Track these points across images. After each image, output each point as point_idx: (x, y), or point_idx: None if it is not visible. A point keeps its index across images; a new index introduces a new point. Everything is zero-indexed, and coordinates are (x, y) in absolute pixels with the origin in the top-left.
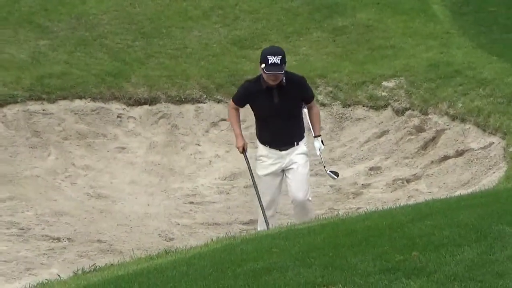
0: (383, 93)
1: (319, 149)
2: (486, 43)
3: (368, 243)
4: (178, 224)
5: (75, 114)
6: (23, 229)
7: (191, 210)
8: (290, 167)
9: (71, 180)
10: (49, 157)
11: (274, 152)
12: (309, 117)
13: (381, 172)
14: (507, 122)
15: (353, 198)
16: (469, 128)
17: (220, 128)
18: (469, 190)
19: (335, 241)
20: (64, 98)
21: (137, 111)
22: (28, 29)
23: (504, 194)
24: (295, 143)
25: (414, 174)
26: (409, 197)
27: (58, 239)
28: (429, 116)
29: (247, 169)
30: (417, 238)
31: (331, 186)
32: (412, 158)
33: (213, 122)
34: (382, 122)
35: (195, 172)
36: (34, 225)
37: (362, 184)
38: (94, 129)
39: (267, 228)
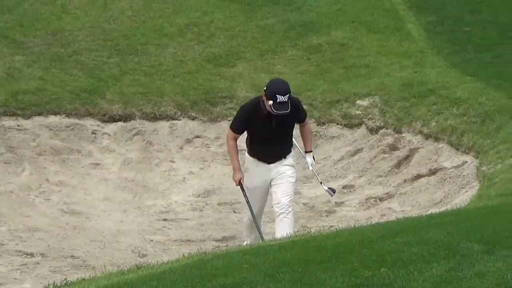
0: (357, 112)
1: (311, 164)
2: (460, 63)
3: (337, 259)
4: (152, 240)
5: (49, 130)
6: None
7: (164, 226)
8: (278, 177)
9: (45, 196)
10: (23, 173)
11: (262, 165)
12: (302, 134)
13: (354, 190)
14: (480, 141)
15: (326, 216)
16: (443, 147)
17: (195, 145)
18: (442, 209)
19: (305, 257)
20: (39, 114)
21: (112, 127)
22: (3, 45)
23: (474, 212)
24: (283, 157)
25: (387, 193)
26: (382, 215)
27: (31, 255)
28: (403, 134)
29: (245, 201)
30: (386, 254)
31: (304, 204)
32: (385, 176)
33: (187, 139)
34: (356, 140)
35: (169, 189)
36: (8, 241)
37: (335, 202)
38: (69, 145)
39: (262, 239)
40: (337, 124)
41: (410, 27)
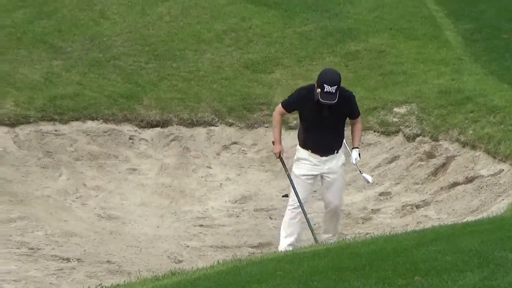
0: (394, 119)
1: (355, 159)
2: (498, 70)
3: (371, 267)
4: (187, 246)
5: (87, 135)
6: (32, 249)
7: (200, 232)
8: (330, 176)
9: (82, 201)
10: (61, 178)
11: (315, 157)
12: (352, 130)
13: (390, 197)
14: None
15: (362, 223)
16: (479, 155)
17: (232, 152)
18: (478, 217)
19: (339, 265)
20: (76, 119)
21: (149, 133)
22: (42, 50)
23: (509, 221)
24: (335, 151)
25: (424, 200)
26: (418, 223)
27: (68, 260)
28: (440, 142)
29: (284, 172)
30: (420, 263)
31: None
32: (422, 184)
33: (224, 145)
34: (393, 148)
35: (205, 195)
36: (44, 245)
37: (372, 209)
38: (106, 150)
39: (311, 227)
40: (374, 131)
41: (448, 35)
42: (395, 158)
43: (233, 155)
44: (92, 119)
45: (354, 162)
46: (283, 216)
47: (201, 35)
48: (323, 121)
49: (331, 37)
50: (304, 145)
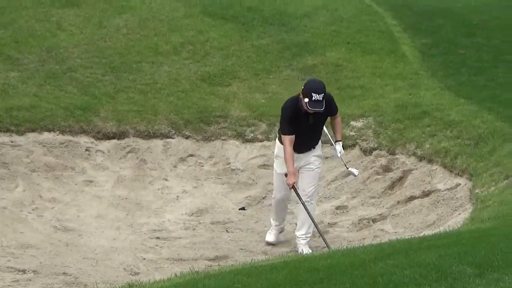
0: (351, 133)
1: (340, 152)
2: (455, 85)
3: (329, 281)
4: (144, 258)
5: (43, 146)
6: None
7: (157, 245)
8: (306, 166)
9: (38, 213)
10: (17, 189)
11: (294, 155)
12: (333, 125)
13: (347, 211)
14: (474, 163)
15: (319, 237)
16: (436, 169)
17: (188, 164)
18: (435, 231)
19: (297, 278)
20: (33, 131)
21: (106, 145)
22: None
23: (466, 235)
24: (313, 148)
25: (380, 214)
26: (374, 236)
27: (24, 271)
28: (397, 156)
29: (298, 199)
30: (378, 276)
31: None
32: (378, 197)
33: (181, 157)
34: (349, 161)
35: (162, 207)
36: (0, 257)
37: (328, 223)
38: (62, 162)
39: (320, 232)
40: (331, 145)
41: (405, 49)
42: (351, 172)
43: (189, 167)
44: (49, 130)
45: (339, 155)
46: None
47: (158, 48)
48: (308, 127)
49: (288, 51)
50: None
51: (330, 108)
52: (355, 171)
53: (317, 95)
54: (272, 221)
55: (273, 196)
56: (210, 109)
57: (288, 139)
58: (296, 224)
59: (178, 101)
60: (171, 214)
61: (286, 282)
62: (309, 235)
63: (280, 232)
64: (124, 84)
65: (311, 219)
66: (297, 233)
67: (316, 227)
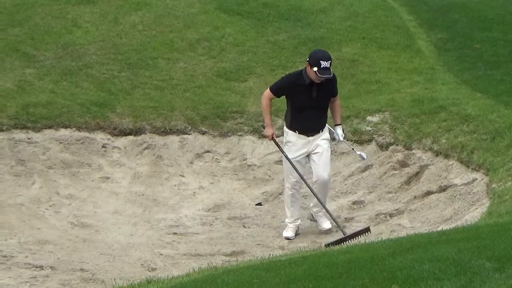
0: (368, 128)
1: (341, 136)
2: (471, 80)
3: (348, 276)
4: (161, 254)
5: (60, 143)
6: (5, 256)
7: (174, 240)
8: (316, 151)
9: (55, 209)
10: (33, 186)
11: (303, 138)
12: (332, 108)
13: (364, 206)
14: (490, 158)
15: (336, 231)
16: (453, 164)
17: (205, 160)
18: (452, 226)
19: (316, 273)
20: (49, 127)
21: (122, 141)
22: (14, 58)
23: (485, 229)
24: (321, 130)
25: (397, 209)
26: (391, 231)
27: (41, 267)
28: (413, 151)
29: (280, 152)
30: (397, 271)
31: (311, 220)
32: (395, 193)
33: (197, 153)
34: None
35: (178, 203)
36: (17, 253)
37: (345, 218)
38: (79, 159)
39: (334, 220)
40: (348, 140)
41: (421, 44)
42: (368, 167)
43: (206, 163)
44: (65, 127)
45: (341, 139)
46: (286, 201)
47: (174, 44)
48: (312, 103)
49: (304, 46)
50: (291, 126)
51: (333, 88)
52: (364, 154)
53: (325, 62)
54: (288, 219)
55: (286, 186)
56: (226, 105)
57: (269, 95)
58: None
59: (194, 97)
60: (188, 210)
61: (305, 277)
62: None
63: (296, 230)
64: (140, 80)
65: (321, 204)
66: (314, 209)
67: (327, 211)
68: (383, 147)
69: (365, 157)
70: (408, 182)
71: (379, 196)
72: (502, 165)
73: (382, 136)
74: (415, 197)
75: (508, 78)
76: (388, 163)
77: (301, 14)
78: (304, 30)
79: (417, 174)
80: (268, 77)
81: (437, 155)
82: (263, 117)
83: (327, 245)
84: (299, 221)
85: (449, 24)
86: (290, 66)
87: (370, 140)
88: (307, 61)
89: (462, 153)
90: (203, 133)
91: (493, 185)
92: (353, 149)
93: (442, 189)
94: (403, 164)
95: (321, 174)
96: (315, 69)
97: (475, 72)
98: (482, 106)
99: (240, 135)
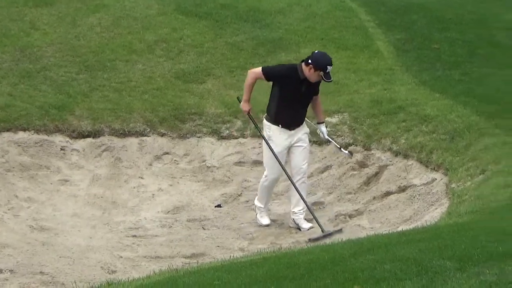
0: (327, 129)
1: (325, 133)
2: (429, 80)
3: (310, 276)
4: (121, 257)
5: (18, 146)
6: None
7: (133, 243)
8: (297, 144)
9: (14, 212)
10: None
11: (284, 131)
12: (315, 106)
13: (323, 207)
14: (450, 158)
15: (296, 233)
16: (412, 164)
17: (164, 162)
18: (411, 226)
19: (277, 274)
20: (8, 130)
21: (81, 143)
22: None
23: (445, 229)
24: (301, 124)
25: (357, 210)
26: (351, 232)
27: (0, 271)
28: (372, 151)
29: (255, 128)
30: (358, 272)
31: (273, 220)
32: (354, 193)
33: (156, 155)
34: (325, 157)
35: (138, 205)
36: None
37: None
38: (38, 161)
39: (315, 217)
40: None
41: (379, 45)
42: (327, 168)
43: (165, 165)
44: (24, 130)
45: (325, 136)
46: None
47: (132, 46)
48: (299, 99)
49: (263, 47)
50: (275, 120)
51: (318, 87)
52: (350, 155)
53: (330, 67)
54: (259, 205)
55: (265, 178)
56: (185, 107)
57: (259, 74)
58: (291, 202)
59: (153, 99)
60: (147, 212)
61: (266, 278)
62: (305, 209)
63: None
64: (99, 82)
65: (302, 198)
66: (295, 209)
67: (308, 207)
68: (342, 147)
69: (350, 155)
70: (367, 182)
71: (338, 197)
72: (461, 165)
73: (341, 136)
74: (374, 197)
75: (466, 78)
76: (347, 163)
77: (260, 15)
78: (263, 31)
79: (376, 175)
80: (226, 79)
81: (396, 156)
82: (244, 91)
83: (310, 240)
84: (268, 206)
85: (407, 25)
86: (248, 68)
87: (329, 141)
88: (309, 63)
89: (421, 153)
90: (162, 135)
91: (453, 185)
92: (340, 148)
93: (402, 189)
94: (362, 164)
95: (300, 166)
96: (322, 73)
97: (434, 73)
98: (441, 106)
99: (199, 137)
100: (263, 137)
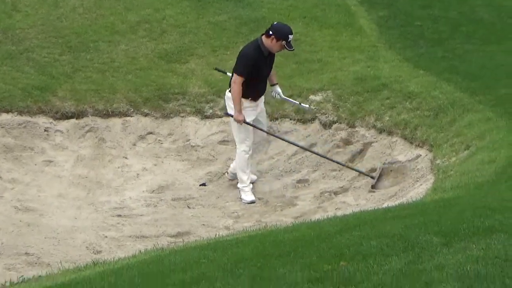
0: (311, 107)
1: (281, 93)
2: (413, 57)
3: (296, 254)
4: (106, 236)
5: (1, 127)
6: None
7: (118, 223)
8: (261, 113)
9: None
10: None
11: (254, 103)
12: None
13: (308, 184)
14: (434, 134)
15: (281, 210)
16: (396, 141)
17: (148, 142)
18: (397, 202)
19: (263, 252)
20: None
21: (64, 124)
22: None
23: (430, 205)
24: (263, 94)
25: (342, 187)
26: (336, 209)
27: None
28: (356, 129)
29: (254, 127)
30: (345, 248)
31: (259, 198)
32: (339, 170)
33: (140, 135)
34: (309, 135)
35: (122, 185)
36: None
37: (290, 197)
38: (21, 143)
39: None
40: (290, 119)
41: (362, 22)
42: (312, 146)
43: (149, 145)
44: (7, 111)
45: (283, 95)
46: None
47: (114, 27)
48: (264, 72)
49: (245, 27)
50: (248, 95)
51: (274, 56)
52: (308, 106)
53: (291, 36)
54: (242, 185)
55: (242, 152)
56: (168, 87)
57: (241, 79)
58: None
59: (136, 79)
60: (132, 192)
61: (252, 256)
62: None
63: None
64: (82, 63)
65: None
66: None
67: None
68: (326, 125)
69: (310, 108)
70: (352, 159)
71: (323, 174)
72: (445, 141)
73: (325, 114)
74: (359, 174)
75: (449, 55)
76: (331, 141)
77: None
78: (245, 11)
79: (361, 152)
80: (210, 58)
81: (380, 133)
82: (234, 103)
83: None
84: (251, 184)
85: (390, 2)
86: (231, 47)
87: (313, 119)
88: (270, 34)
89: (405, 130)
90: (146, 115)
91: (437, 161)
92: (300, 103)
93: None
94: (346, 142)
95: (263, 133)
96: (284, 42)
97: (417, 50)
98: (424, 83)
99: (182, 116)
100: (253, 126)
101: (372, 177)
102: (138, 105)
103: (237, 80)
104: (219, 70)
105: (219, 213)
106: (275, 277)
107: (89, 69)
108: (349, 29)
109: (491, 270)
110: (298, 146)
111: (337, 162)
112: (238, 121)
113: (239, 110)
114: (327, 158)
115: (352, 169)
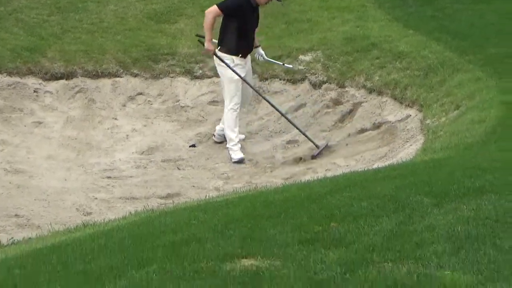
0: (300, 67)
1: (264, 55)
2: (402, 16)
3: (286, 215)
4: (96, 198)
5: None
6: None
7: (108, 184)
8: (249, 71)
9: None
10: None
11: (243, 61)
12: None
13: (298, 145)
14: (424, 94)
15: (271, 171)
16: (386, 100)
17: (137, 102)
18: (387, 163)
19: (254, 213)
20: None
21: (54, 85)
22: None
23: (421, 166)
24: (250, 52)
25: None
26: (326, 170)
27: None
28: (346, 89)
29: (243, 82)
30: (335, 209)
31: (249, 160)
32: (329, 131)
33: (130, 96)
34: (299, 96)
35: (112, 147)
36: None
37: (282, 157)
38: (11, 104)
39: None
40: (280, 80)
41: None
42: (301, 106)
43: (139, 106)
44: None
45: (266, 57)
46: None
47: None
48: (252, 26)
49: None
50: (236, 51)
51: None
52: (290, 66)
53: None
54: (231, 144)
55: (231, 110)
56: (158, 47)
57: (217, 12)
58: None
59: (125, 40)
60: (121, 153)
61: (243, 216)
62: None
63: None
64: (71, 24)
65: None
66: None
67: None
68: (316, 85)
69: (291, 66)
70: (341, 120)
71: (313, 134)
72: (435, 101)
73: (315, 74)
74: (349, 135)
75: (439, 14)
76: (321, 101)
77: None
78: None
79: (350, 112)
80: (199, 18)
81: (370, 93)
82: (205, 33)
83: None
84: (239, 143)
85: None
86: None
87: (303, 79)
88: None
89: (395, 90)
90: (135, 75)
91: (427, 121)
92: (283, 64)
93: (376, 126)
94: (336, 102)
95: (250, 81)
96: None
97: (406, 9)
98: (414, 43)
99: (172, 77)
100: (229, 67)
101: (317, 146)
102: (127, 66)
103: (213, 10)
104: (200, 37)
105: (209, 175)
106: (265, 238)
107: (78, 29)
108: None
109: (481, 230)
110: (278, 111)
111: (300, 130)
112: (207, 52)
113: (208, 39)
114: (292, 123)
115: (305, 135)
